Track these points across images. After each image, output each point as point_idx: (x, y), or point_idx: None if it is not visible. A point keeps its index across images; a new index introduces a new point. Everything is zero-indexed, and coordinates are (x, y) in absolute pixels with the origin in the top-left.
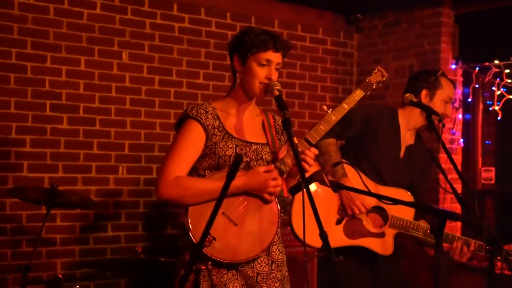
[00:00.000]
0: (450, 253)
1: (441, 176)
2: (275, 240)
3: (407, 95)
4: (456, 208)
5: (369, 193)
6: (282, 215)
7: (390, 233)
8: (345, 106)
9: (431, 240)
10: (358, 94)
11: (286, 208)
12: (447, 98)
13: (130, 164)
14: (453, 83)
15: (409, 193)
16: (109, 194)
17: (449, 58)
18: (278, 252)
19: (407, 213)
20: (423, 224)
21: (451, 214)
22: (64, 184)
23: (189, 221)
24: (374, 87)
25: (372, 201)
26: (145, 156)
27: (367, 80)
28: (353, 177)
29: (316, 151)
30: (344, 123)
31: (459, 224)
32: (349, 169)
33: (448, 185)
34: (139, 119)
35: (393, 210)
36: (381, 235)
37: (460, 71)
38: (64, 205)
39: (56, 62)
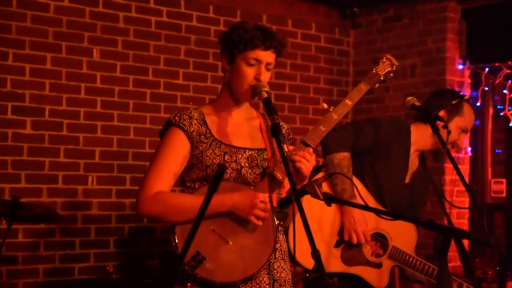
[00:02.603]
0: None
1: (446, 188)
2: (277, 256)
3: (409, 98)
4: (463, 224)
5: (366, 208)
6: (280, 228)
7: (387, 264)
8: (348, 103)
9: (420, 275)
10: (363, 88)
11: (285, 220)
12: (464, 127)
13: (101, 174)
14: (475, 113)
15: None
16: (77, 207)
17: (455, 57)
18: (281, 270)
19: (408, 245)
20: (422, 260)
21: (457, 231)
22: (27, 195)
23: (176, 241)
24: (382, 78)
25: (372, 226)
26: (117, 165)
27: (374, 71)
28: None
29: (310, 150)
30: (361, 134)
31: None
32: (346, 181)
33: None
34: (111, 123)
35: (394, 240)
36: (379, 265)
37: (467, 72)
38: (27, 219)
39: (19, 60)
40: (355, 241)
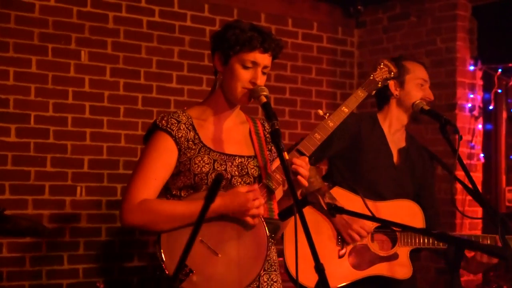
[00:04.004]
0: (469, 264)
1: (458, 197)
2: (266, 269)
3: (418, 101)
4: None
5: (373, 218)
6: (272, 240)
7: (404, 252)
8: (345, 110)
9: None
10: (361, 94)
11: (277, 232)
12: (420, 80)
13: (90, 184)
14: (422, 63)
15: (415, 204)
16: (65, 220)
17: (466, 58)
18: (272, 282)
19: (417, 224)
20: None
21: (469, 242)
22: (12, 207)
23: (161, 251)
24: (379, 85)
25: (372, 223)
26: (107, 174)
27: (371, 77)
28: (348, 200)
29: (306, 159)
30: (333, 138)
31: None
32: (342, 193)
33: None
34: (100, 130)
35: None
36: (394, 256)
37: (479, 74)
38: (12, 233)
39: (2, 63)
40: (358, 239)
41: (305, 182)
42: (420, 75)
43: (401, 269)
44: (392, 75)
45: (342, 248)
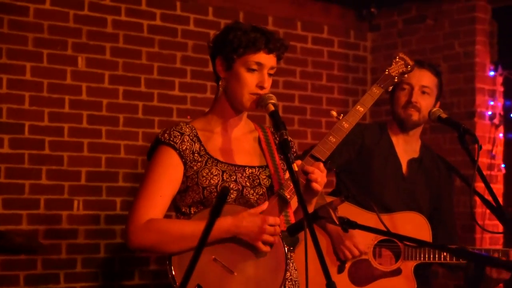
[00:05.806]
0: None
1: (477, 210)
2: (288, 287)
3: (435, 109)
4: None
5: (387, 233)
6: (291, 254)
7: (407, 267)
8: (360, 109)
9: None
10: (376, 91)
11: (295, 246)
12: (405, 84)
13: (87, 198)
14: (429, 67)
15: (422, 216)
16: (61, 235)
17: (486, 63)
18: None
19: (424, 237)
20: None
21: (490, 259)
22: (5, 223)
23: (173, 272)
24: (396, 80)
25: (374, 237)
26: (106, 187)
27: (387, 73)
28: (353, 214)
29: (321, 165)
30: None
31: None
32: (347, 207)
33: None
34: (99, 140)
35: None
36: (397, 272)
37: (500, 79)
38: (5, 250)
39: None
40: (349, 256)
41: (318, 188)
42: (408, 79)
43: (404, 285)
44: (409, 69)
45: (341, 264)
